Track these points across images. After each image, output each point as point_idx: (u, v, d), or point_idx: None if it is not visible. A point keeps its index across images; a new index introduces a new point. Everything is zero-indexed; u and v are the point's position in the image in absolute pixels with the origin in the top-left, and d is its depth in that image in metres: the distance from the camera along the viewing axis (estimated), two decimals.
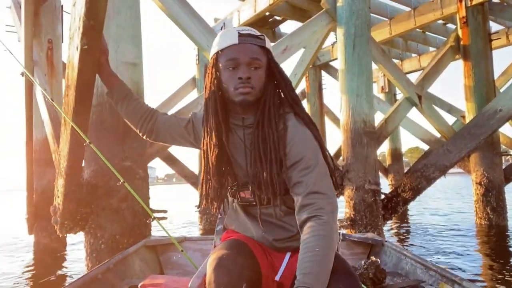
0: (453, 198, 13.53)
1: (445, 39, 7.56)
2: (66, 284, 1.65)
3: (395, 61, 10.44)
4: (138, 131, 1.39)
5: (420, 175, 4.54)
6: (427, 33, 8.76)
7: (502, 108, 3.97)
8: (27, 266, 4.64)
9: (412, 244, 5.16)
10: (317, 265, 0.96)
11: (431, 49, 9.52)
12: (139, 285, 1.61)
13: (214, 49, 1.16)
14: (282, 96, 1.19)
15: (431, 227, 6.82)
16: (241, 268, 1.03)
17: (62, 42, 6.11)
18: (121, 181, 1.77)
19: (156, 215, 3.02)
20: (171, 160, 8.06)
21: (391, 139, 10.30)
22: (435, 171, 4.45)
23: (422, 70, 7.46)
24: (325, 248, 0.98)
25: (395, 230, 6.58)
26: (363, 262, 2.16)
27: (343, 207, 4.67)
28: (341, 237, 2.68)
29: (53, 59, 5.67)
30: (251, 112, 1.16)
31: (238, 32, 1.12)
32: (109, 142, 2.82)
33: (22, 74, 5.02)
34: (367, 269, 2.10)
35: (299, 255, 1.01)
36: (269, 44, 1.18)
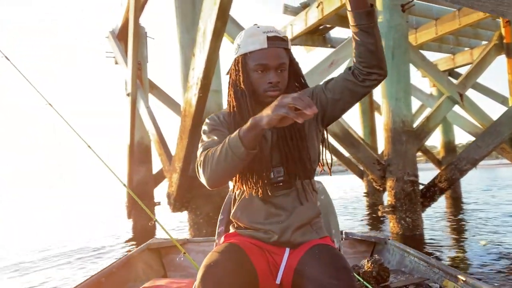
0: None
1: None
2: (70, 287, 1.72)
3: (447, 55, 10.68)
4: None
5: (454, 167, 5.18)
6: (477, 29, 8.96)
7: None
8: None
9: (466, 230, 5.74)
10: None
11: (484, 42, 9.64)
12: None
13: (241, 50, 1.19)
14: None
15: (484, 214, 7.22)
16: (232, 276, 1.01)
17: (147, 62, 7.58)
18: (124, 184, 1.93)
19: None
20: None
21: (444, 133, 10.60)
22: (467, 164, 5.06)
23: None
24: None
25: (451, 218, 7.15)
26: (366, 260, 2.13)
27: (386, 195, 5.49)
28: (344, 236, 2.74)
29: (142, 78, 7.11)
30: None
31: (267, 36, 1.16)
32: None
33: (128, 94, 6.42)
34: (371, 267, 2.06)
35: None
36: (290, 44, 1.24)
